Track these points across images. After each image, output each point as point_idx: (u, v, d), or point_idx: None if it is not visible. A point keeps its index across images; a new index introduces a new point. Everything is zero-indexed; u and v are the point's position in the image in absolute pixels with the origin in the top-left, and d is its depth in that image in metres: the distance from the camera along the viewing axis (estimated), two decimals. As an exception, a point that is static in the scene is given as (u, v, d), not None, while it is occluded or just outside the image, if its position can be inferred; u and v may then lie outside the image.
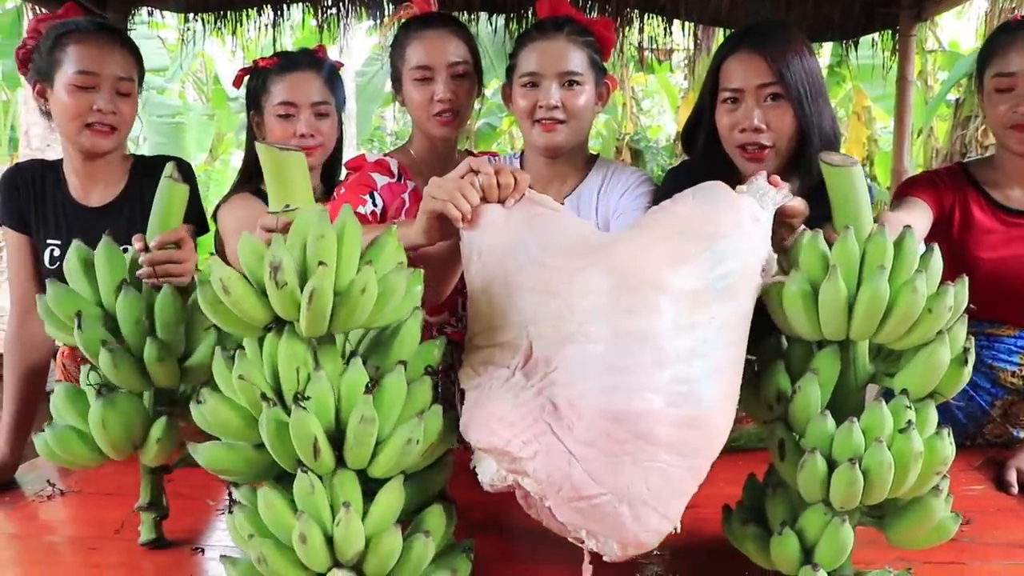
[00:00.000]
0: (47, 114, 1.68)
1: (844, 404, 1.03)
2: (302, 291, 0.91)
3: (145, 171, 1.73)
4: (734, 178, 1.31)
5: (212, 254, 1.96)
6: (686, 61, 8.09)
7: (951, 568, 1.16)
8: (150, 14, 3.18)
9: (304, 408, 0.91)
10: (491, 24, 3.31)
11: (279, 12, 3.29)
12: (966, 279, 1.03)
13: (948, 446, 1.00)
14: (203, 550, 1.21)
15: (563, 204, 1.65)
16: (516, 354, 1.01)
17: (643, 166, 8.82)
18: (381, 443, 0.97)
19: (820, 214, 1.12)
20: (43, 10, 2.50)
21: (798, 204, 1.12)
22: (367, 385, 0.97)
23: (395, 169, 1.72)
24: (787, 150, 1.46)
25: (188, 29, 3.31)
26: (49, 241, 1.69)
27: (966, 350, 1.04)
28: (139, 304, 1.18)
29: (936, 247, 1.04)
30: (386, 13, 3.26)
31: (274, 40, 3.37)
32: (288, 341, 0.95)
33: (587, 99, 1.59)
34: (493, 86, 6.00)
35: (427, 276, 1.08)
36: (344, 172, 1.81)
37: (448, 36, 1.70)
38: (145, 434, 1.17)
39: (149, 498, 1.23)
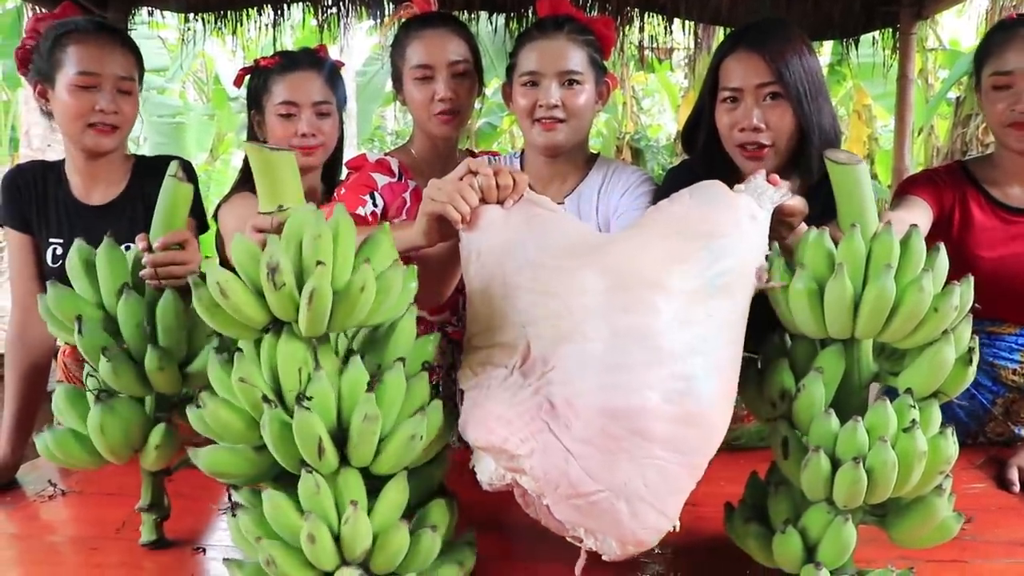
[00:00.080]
0: (48, 114, 1.68)
1: (848, 403, 1.03)
2: (300, 291, 0.91)
3: (147, 170, 1.73)
4: (734, 177, 1.31)
5: (207, 258, 1.96)
6: (686, 60, 8.11)
7: (953, 566, 1.16)
8: (150, 14, 3.18)
9: (307, 408, 0.91)
10: (491, 23, 3.31)
11: (279, 12, 3.28)
12: (972, 279, 1.03)
13: (952, 445, 1.00)
14: (204, 550, 1.21)
15: (563, 203, 1.65)
16: (514, 354, 1.01)
17: (643, 165, 8.82)
18: (384, 440, 0.97)
19: (819, 212, 1.11)
20: (42, 10, 2.49)
21: (797, 202, 1.12)
22: (368, 383, 0.97)
23: (396, 169, 1.72)
24: (787, 149, 1.46)
25: (188, 29, 3.31)
26: (51, 240, 1.69)
27: (971, 350, 1.03)
28: (140, 308, 1.17)
29: (942, 246, 1.03)
30: (386, 13, 3.26)
31: (274, 40, 3.37)
32: (287, 342, 0.95)
33: (587, 98, 1.59)
34: (493, 85, 5.99)
35: (427, 277, 1.08)
36: (345, 172, 1.81)
37: (448, 35, 1.70)
38: (145, 439, 1.16)
39: (150, 499, 1.22)
